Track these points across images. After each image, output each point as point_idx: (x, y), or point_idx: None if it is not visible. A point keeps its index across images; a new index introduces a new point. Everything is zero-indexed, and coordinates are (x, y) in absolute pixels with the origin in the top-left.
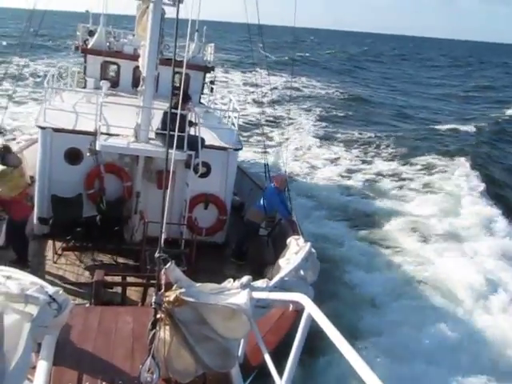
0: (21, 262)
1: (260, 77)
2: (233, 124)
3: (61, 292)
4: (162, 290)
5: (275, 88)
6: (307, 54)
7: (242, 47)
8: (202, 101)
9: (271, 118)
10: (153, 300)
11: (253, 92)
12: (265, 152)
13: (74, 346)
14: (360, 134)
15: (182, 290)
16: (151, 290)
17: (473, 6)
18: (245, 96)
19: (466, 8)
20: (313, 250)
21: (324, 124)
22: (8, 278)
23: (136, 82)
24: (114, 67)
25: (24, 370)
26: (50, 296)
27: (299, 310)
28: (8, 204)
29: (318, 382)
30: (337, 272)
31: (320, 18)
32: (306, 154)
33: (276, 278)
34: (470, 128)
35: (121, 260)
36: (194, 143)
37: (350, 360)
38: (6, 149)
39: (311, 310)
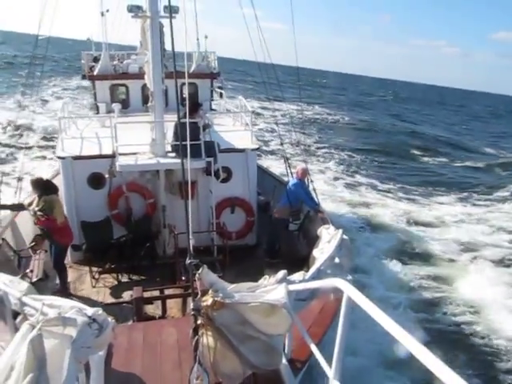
0: (63, 291)
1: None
2: (247, 124)
3: (100, 312)
4: (199, 296)
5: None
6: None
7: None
8: (213, 107)
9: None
10: (191, 307)
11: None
12: (281, 144)
13: (122, 363)
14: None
15: (219, 293)
16: (189, 300)
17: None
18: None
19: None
20: (345, 237)
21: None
22: (49, 305)
23: (145, 99)
24: (122, 89)
25: None
26: (89, 317)
27: (340, 298)
28: (60, 230)
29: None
30: None
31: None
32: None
33: (312, 269)
34: None
35: (157, 275)
36: (211, 149)
37: (400, 339)
38: (45, 180)
39: (350, 292)
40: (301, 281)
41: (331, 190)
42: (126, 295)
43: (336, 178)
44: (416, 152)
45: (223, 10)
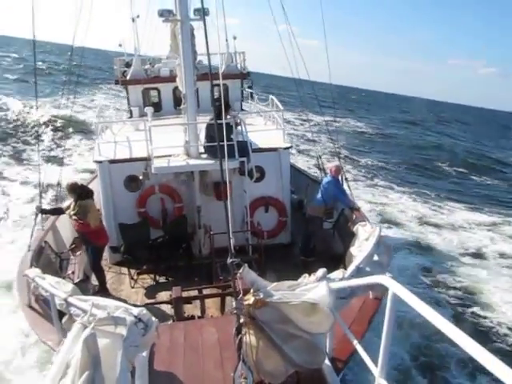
0: (103, 291)
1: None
2: (278, 124)
3: (145, 311)
4: (241, 295)
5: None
6: None
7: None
8: (243, 107)
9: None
10: (233, 305)
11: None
12: (314, 141)
13: (165, 362)
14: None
15: (260, 292)
16: (228, 299)
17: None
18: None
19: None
20: (383, 234)
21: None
22: (95, 306)
23: (177, 102)
24: (154, 92)
25: None
26: (135, 316)
27: (379, 297)
28: (94, 233)
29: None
30: None
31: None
32: None
33: (351, 267)
34: None
35: (193, 275)
36: (244, 149)
37: (450, 334)
38: (80, 185)
39: (396, 289)
40: (340, 279)
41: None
42: (164, 295)
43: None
44: None
45: (260, 26)
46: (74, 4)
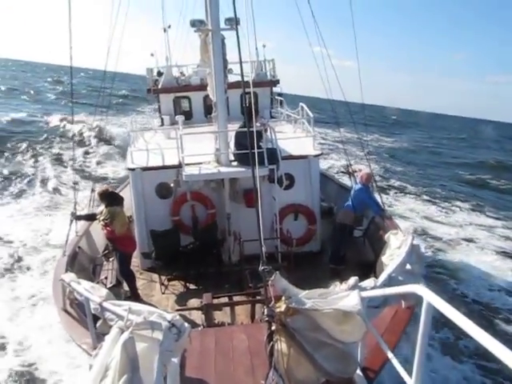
0: (134, 297)
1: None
2: (308, 131)
3: (178, 317)
4: (272, 302)
5: None
6: None
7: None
8: (273, 114)
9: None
10: (265, 313)
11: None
12: (345, 150)
13: (196, 368)
14: None
15: (292, 299)
16: (258, 307)
17: None
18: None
19: None
20: (415, 242)
21: None
22: (130, 311)
23: (207, 110)
24: (185, 101)
25: None
26: (169, 321)
27: (411, 306)
28: (120, 240)
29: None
30: None
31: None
32: None
33: (383, 276)
34: None
35: (223, 281)
36: (274, 156)
37: (488, 346)
38: (109, 192)
39: (431, 298)
40: (372, 287)
41: None
42: (195, 302)
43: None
44: None
45: (296, 49)
46: (106, 33)
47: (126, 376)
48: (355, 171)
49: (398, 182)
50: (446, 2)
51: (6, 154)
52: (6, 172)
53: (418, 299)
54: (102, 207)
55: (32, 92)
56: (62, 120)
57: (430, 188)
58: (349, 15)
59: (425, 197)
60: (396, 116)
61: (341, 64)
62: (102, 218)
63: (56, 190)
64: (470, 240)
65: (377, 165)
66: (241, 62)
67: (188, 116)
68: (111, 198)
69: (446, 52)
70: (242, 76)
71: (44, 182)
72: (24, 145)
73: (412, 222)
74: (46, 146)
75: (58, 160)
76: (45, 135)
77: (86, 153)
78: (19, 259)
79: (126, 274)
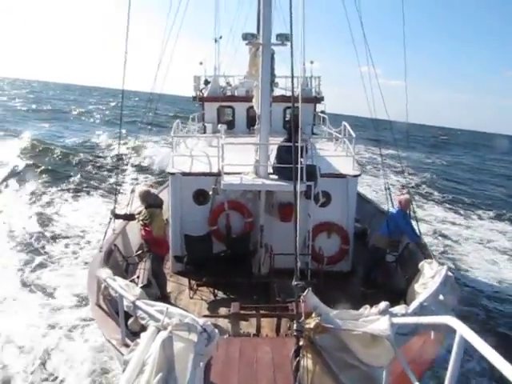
0: (164, 298)
1: None
2: (349, 151)
3: (209, 323)
4: (303, 318)
5: None
6: None
7: None
8: (315, 131)
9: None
10: (294, 327)
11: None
12: (385, 173)
13: (220, 375)
14: None
15: (322, 317)
16: (284, 321)
17: None
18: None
19: None
20: (450, 274)
21: None
22: (159, 311)
23: (250, 121)
24: (229, 111)
25: None
26: (201, 326)
27: (442, 338)
28: (156, 241)
29: None
30: None
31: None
32: None
33: (415, 304)
34: None
35: (251, 293)
36: (312, 173)
37: None
38: (150, 193)
39: (464, 331)
40: (403, 314)
41: None
42: (221, 309)
43: None
44: None
45: (340, 70)
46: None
47: (161, 374)
48: (400, 194)
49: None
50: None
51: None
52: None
53: (449, 331)
54: (142, 208)
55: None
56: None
57: None
58: (397, 33)
59: None
60: (447, 136)
61: (387, 83)
62: (141, 218)
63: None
64: None
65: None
66: (292, 78)
67: (230, 126)
68: (151, 200)
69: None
70: (293, 91)
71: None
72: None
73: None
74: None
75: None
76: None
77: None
78: None
79: (157, 275)
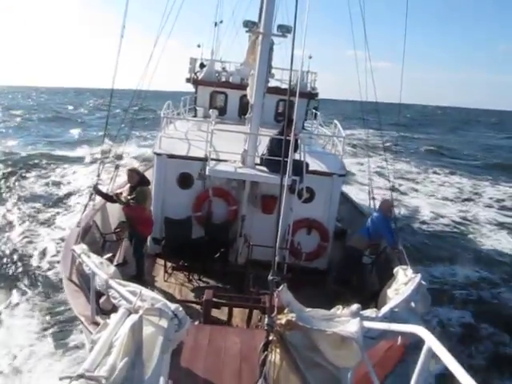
0: (138, 278)
1: None
2: (337, 150)
3: (181, 309)
4: (275, 313)
5: None
6: None
7: None
8: (305, 127)
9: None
10: (265, 322)
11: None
12: (369, 179)
13: (186, 361)
14: None
15: (294, 314)
16: (255, 313)
17: None
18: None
19: None
20: (423, 282)
21: None
22: (132, 292)
23: (242, 110)
24: (221, 97)
25: (159, 378)
26: (172, 312)
27: (406, 345)
28: (144, 220)
29: None
30: None
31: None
32: None
33: (385, 309)
34: None
35: (225, 281)
36: (299, 168)
37: None
38: (141, 172)
39: (432, 343)
40: (373, 318)
41: None
42: (195, 295)
43: None
44: None
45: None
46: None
47: (128, 358)
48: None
49: None
50: None
51: None
52: None
53: (416, 339)
54: (126, 187)
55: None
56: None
57: None
58: (385, 14)
59: None
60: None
61: (375, 65)
62: (130, 196)
63: None
64: None
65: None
66: (291, 71)
67: (222, 112)
68: (142, 179)
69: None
70: (290, 84)
71: None
72: None
73: None
74: None
75: None
76: None
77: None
78: None
79: (139, 255)
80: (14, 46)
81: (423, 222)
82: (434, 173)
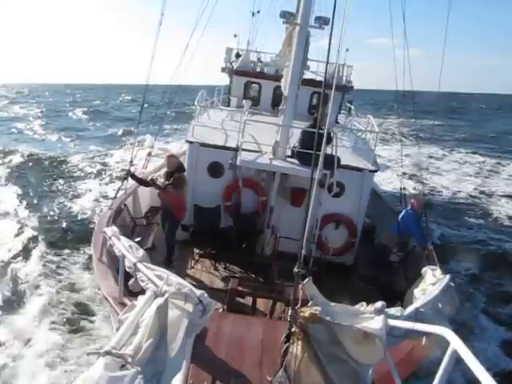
0: (166, 263)
1: None
2: (370, 145)
3: (206, 295)
4: (299, 305)
5: None
6: None
7: None
8: (339, 120)
9: None
10: (289, 313)
11: None
12: (403, 174)
13: (209, 347)
14: None
15: (318, 308)
16: (278, 305)
17: None
18: None
19: None
20: (451, 284)
21: None
22: (159, 276)
23: (275, 101)
24: (255, 87)
25: (182, 360)
26: (198, 298)
27: (432, 346)
28: (182, 206)
29: None
30: None
31: None
32: None
33: (411, 308)
34: None
35: (251, 271)
36: (330, 162)
37: None
38: (179, 159)
39: (457, 346)
40: (398, 316)
41: None
42: (220, 283)
43: None
44: None
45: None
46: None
47: (153, 339)
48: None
49: None
50: None
51: None
52: None
53: (441, 341)
54: (162, 172)
55: None
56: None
57: None
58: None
59: None
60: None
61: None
62: (168, 182)
63: None
64: None
65: None
66: (327, 64)
67: (255, 103)
68: (180, 166)
69: None
70: (325, 77)
71: None
72: None
73: None
74: None
75: None
76: None
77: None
78: None
79: (171, 240)
80: (37, 43)
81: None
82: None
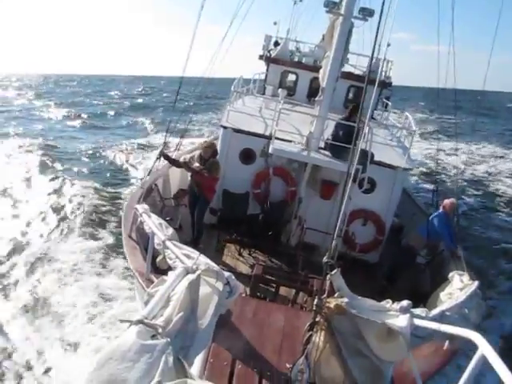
0: (194, 244)
1: None
2: (405, 143)
3: (233, 277)
4: (325, 295)
5: None
6: None
7: None
8: (374, 116)
9: None
10: (315, 303)
11: None
12: (436, 174)
13: (231, 329)
14: None
15: (344, 299)
16: (301, 295)
17: None
18: None
19: None
20: (479, 291)
21: None
22: (187, 256)
23: (311, 92)
24: (292, 77)
25: (209, 337)
26: (226, 278)
27: (455, 350)
28: (213, 188)
29: None
30: None
31: None
32: None
33: (436, 310)
34: None
35: (275, 260)
36: (363, 157)
37: None
38: (215, 146)
39: (486, 351)
40: (423, 317)
41: None
42: (244, 269)
43: None
44: None
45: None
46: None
47: (183, 313)
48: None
49: None
50: None
51: None
52: None
53: (466, 345)
54: (196, 155)
55: None
56: None
57: None
58: None
59: None
60: None
61: (426, 49)
62: (203, 166)
63: None
64: None
65: None
66: (371, 58)
67: (291, 92)
68: (215, 151)
69: None
70: (369, 71)
71: None
72: None
73: None
74: None
75: None
76: None
77: None
78: None
79: (201, 221)
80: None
81: None
82: None
